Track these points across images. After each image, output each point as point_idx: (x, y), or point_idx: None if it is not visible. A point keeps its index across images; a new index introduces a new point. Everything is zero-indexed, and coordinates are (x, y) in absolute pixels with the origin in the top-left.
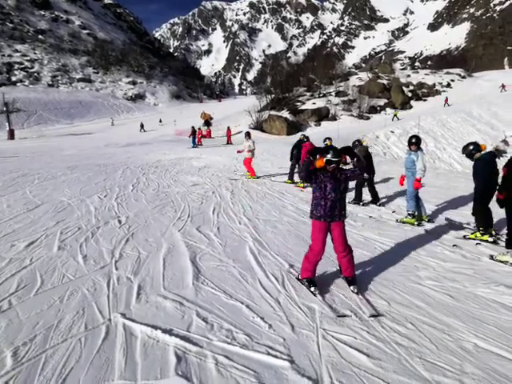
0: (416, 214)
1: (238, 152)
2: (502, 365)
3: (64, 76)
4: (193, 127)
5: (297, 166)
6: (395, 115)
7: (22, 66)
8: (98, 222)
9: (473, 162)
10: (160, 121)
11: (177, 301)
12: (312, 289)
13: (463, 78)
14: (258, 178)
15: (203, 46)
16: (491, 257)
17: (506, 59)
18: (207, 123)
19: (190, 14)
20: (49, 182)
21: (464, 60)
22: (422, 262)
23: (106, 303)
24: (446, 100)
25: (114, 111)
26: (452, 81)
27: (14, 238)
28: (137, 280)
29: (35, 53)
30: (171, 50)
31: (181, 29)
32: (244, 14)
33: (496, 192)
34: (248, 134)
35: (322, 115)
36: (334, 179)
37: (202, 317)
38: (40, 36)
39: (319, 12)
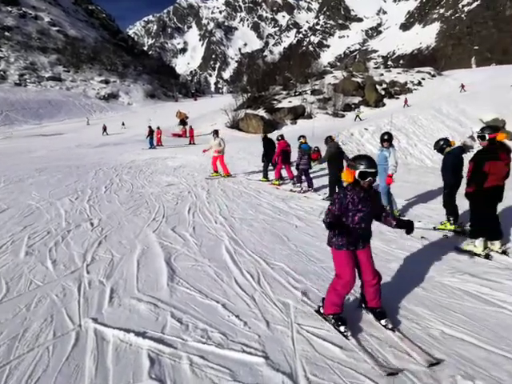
0: (388, 208)
1: (204, 151)
2: (466, 349)
3: (32, 74)
4: (150, 127)
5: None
6: (357, 116)
7: None
8: (69, 226)
9: (443, 157)
10: (123, 124)
11: (151, 303)
12: (342, 328)
13: (433, 76)
14: (230, 176)
15: (178, 44)
16: (456, 247)
17: (473, 58)
18: (183, 122)
19: (165, 11)
20: (15, 185)
21: (434, 59)
22: (392, 255)
23: (77, 309)
24: (406, 101)
25: (86, 111)
26: (423, 79)
27: None
28: (109, 283)
29: (1, 50)
30: (145, 49)
31: (155, 27)
32: (220, 12)
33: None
34: (216, 133)
35: (297, 113)
36: (365, 201)
37: (177, 317)
38: (6, 33)
39: (295, 11)
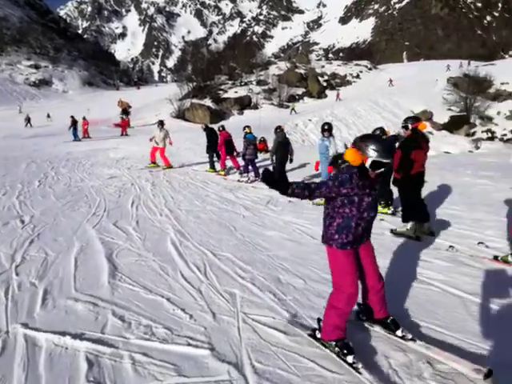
0: None
1: (151, 140)
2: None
3: None
4: (72, 117)
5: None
6: (293, 109)
7: None
8: None
9: None
10: (48, 116)
11: (90, 302)
12: (349, 359)
13: (370, 69)
14: (172, 167)
15: (117, 28)
16: (392, 231)
17: (404, 53)
18: (125, 112)
19: None
20: None
21: (370, 53)
22: None
23: (3, 314)
24: (338, 95)
25: (15, 98)
26: (361, 72)
27: None
28: (42, 284)
29: None
30: (80, 32)
31: (90, 8)
32: None
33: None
34: (161, 123)
35: (244, 104)
36: (371, 187)
37: (119, 315)
38: None
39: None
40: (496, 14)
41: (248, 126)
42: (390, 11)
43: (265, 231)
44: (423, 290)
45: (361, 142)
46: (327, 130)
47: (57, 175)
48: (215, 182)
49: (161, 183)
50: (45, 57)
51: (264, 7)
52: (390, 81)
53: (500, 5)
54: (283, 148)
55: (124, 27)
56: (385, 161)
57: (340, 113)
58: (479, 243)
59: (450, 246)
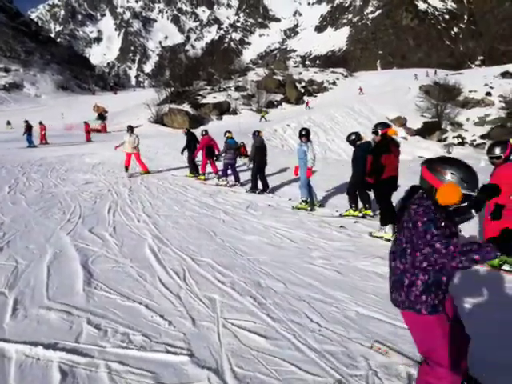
0: (308, 200)
1: (116, 148)
2: (377, 326)
3: None
4: (26, 121)
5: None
6: (263, 116)
7: None
8: None
9: (353, 149)
10: (8, 123)
11: (64, 311)
12: None
13: (346, 77)
14: (149, 172)
15: (92, 32)
16: (370, 234)
17: (378, 62)
18: (101, 117)
19: None
20: None
21: (346, 61)
22: (314, 244)
23: None
24: (307, 103)
25: None
26: (337, 79)
27: None
28: (13, 294)
29: None
30: (53, 35)
31: (63, 12)
32: (136, 1)
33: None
34: (130, 129)
35: (223, 109)
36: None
37: (94, 324)
38: None
39: (215, 6)
40: (462, 26)
41: (229, 131)
42: (363, 21)
43: (245, 236)
44: None
45: (441, 166)
46: (304, 135)
47: (28, 181)
48: (194, 187)
49: (138, 189)
50: (15, 60)
51: (241, 14)
52: (360, 89)
53: (466, 17)
54: (261, 152)
55: (99, 31)
56: (473, 194)
57: (317, 118)
58: None
59: None
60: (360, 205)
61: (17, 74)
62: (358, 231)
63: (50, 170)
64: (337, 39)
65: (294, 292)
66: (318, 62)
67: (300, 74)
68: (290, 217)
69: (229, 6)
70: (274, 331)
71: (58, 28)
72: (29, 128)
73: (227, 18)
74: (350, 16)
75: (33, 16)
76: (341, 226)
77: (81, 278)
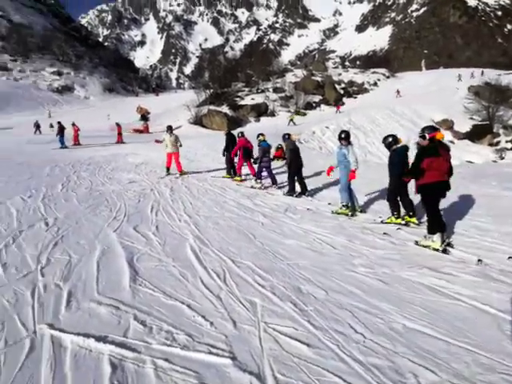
0: (349, 205)
1: (157, 142)
2: (427, 342)
3: None
4: (59, 123)
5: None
6: (291, 120)
7: None
8: (21, 226)
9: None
10: (51, 126)
11: (112, 305)
12: None
13: (388, 77)
14: (185, 173)
15: (136, 36)
16: (416, 242)
17: (422, 61)
18: (144, 118)
19: (120, 0)
20: None
21: (388, 61)
22: (356, 251)
23: (31, 314)
24: (338, 107)
25: (39, 104)
26: (378, 80)
27: None
28: (67, 286)
29: None
30: (101, 40)
31: (110, 17)
32: (178, 4)
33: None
34: (170, 129)
35: (261, 111)
36: None
37: (140, 320)
38: None
39: (254, 8)
40: None
41: (262, 134)
42: (407, 19)
43: (284, 239)
44: (451, 306)
45: None
46: (344, 138)
47: (79, 179)
48: (233, 189)
49: (179, 189)
50: (67, 64)
51: (280, 15)
52: (398, 92)
53: None
54: (296, 155)
55: (143, 35)
56: None
57: (358, 120)
58: (510, 258)
59: (479, 260)
60: (403, 211)
61: (68, 77)
62: (402, 239)
63: (98, 168)
64: (378, 39)
65: (335, 300)
66: (358, 62)
67: (339, 74)
68: (330, 222)
69: (268, 7)
70: (316, 339)
71: (106, 32)
72: (61, 129)
73: (266, 19)
74: (392, 14)
75: (83, 21)
76: (384, 233)
77: (127, 274)
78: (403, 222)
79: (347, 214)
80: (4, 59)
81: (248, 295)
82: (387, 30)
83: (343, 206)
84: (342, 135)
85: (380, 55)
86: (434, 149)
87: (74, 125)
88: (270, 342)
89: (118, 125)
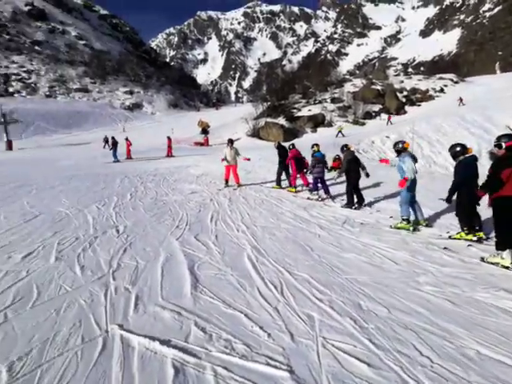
0: (410, 219)
1: (223, 160)
2: (504, 372)
3: (61, 86)
4: (113, 138)
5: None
6: (339, 131)
7: (19, 77)
8: (96, 232)
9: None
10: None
11: (175, 311)
12: None
13: (456, 83)
14: (241, 185)
15: (199, 55)
16: (482, 259)
17: (497, 64)
18: (204, 131)
19: (186, 23)
20: (46, 193)
21: (456, 65)
22: (420, 268)
23: (104, 314)
24: (389, 118)
25: (112, 120)
26: (445, 86)
27: (10, 249)
28: (134, 290)
29: (32, 64)
30: (167, 60)
31: (176, 38)
32: (239, 23)
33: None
34: (230, 142)
35: (317, 122)
36: None
37: (201, 327)
38: (36, 47)
39: (312, 20)
40: None
41: (316, 144)
42: (478, 20)
43: (342, 253)
44: None
45: None
46: (396, 151)
47: (145, 189)
48: (289, 200)
49: (237, 199)
50: (138, 83)
51: (339, 26)
52: (460, 99)
53: None
54: (355, 166)
55: (205, 53)
56: None
57: (421, 129)
58: None
59: None
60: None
61: (138, 95)
62: (473, 256)
63: (162, 180)
64: (445, 43)
65: (398, 319)
66: (422, 68)
67: (401, 82)
68: (392, 236)
69: (326, 18)
70: (377, 359)
71: (172, 53)
72: (114, 144)
73: (324, 30)
74: (461, 16)
75: (153, 44)
76: (444, 248)
77: (188, 281)
78: (475, 239)
79: (408, 229)
80: (86, 82)
81: (305, 308)
82: (455, 33)
83: (403, 220)
84: (394, 149)
85: (447, 60)
86: (511, 159)
87: (127, 139)
88: (329, 358)
89: (168, 138)
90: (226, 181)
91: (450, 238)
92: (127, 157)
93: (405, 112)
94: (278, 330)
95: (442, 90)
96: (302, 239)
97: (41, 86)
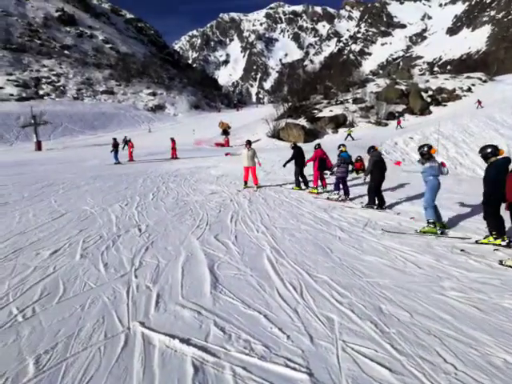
0: (436, 221)
1: (227, 154)
2: None
3: (88, 89)
4: (114, 139)
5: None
6: (349, 134)
7: (49, 80)
8: (119, 231)
9: (486, 165)
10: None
11: (195, 310)
12: None
13: (484, 82)
14: (260, 187)
15: (221, 56)
16: (500, 262)
17: None
18: (225, 132)
19: (208, 25)
20: (73, 192)
21: (485, 64)
22: (445, 272)
23: (126, 312)
24: (399, 122)
25: (135, 122)
26: (473, 85)
27: (38, 246)
28: (156, 288)
29: (61, 67)
30: (190, 62)
31: (199, 40)
32: (261, 24)
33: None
34: (249, 143)
35: (339, 122)
36: None
37: (220, 326)
38: (66, 51)
39: (335, 20)
40: None
41: (344, 145)
42: (510, 16)
43: (363, 255)
44: None
45: None
46: (421, 154)
47: (167, 190)
48: (309, 201)
49: (257, 200)
50: (161, 85)
51: (362, 25)
52: (479, 102)
53: None
54: (380, 167)
55: (227, 55)
56: None
57: (447, 130)
58: None
59: None
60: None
61: (161, 97)
62: (497, 260)
63: (183, 180)
64: (474, 40)
65: (421, 324)
66: (449, 67)
67: (427, 81)
68: (415, 239)
69: (350, 18)
70: (399, 364)
71: (195, 55)
72: (115, 145)
73: (347, 30)
74: (492, 13)
75: (176, 47)
76: (462, 250)
77: (208, 281)
78: (504, 243)
79: (436, 233)
80: (111, 84)
81: (325, 311)
82: (485, 30)
83: (429, 223)
84: (420, 150)
85: (476, 58)
86: None
87: (129, 141)
88: (349, 361)
89: (172, 140)
90: (245, 182)
91: (476, 242)
92: (129, 159)
93: (430, 112)
94: (297, 332)
95: (469, 90)
96: (322, 241)
97: (69, 88)
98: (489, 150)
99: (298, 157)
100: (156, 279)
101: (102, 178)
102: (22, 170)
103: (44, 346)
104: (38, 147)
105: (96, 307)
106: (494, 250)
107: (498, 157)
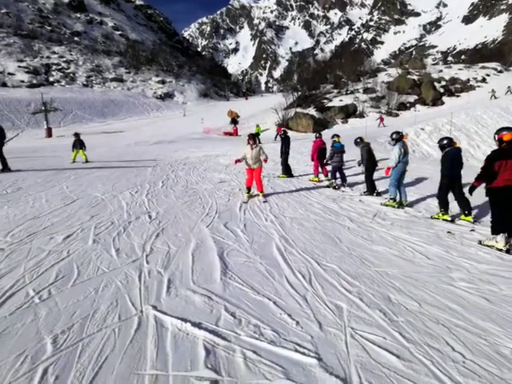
0: (397, 199)
1: (237, 162)
2: None
3: (98, 76)
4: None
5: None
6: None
7: (59, 67)
8: (130, 217)
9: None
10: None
11: (205, 295)
12: None
13: (500, 72)
14: (264, 194)
15: (230, 44)
16: (480, 242)
17: None
18: (234, 121)
19: (218, 13)
20: (84, 178)
21: (501, 53)
22: (454, 263)
23: (138, 295)
24: (382, 119)
25: (144, 109)
26: (487, 75)
27: (52, 231)
28: (167, 274)
29: (71, 54)
30: (199, 49)
31: (209, 28)
32: (271, 11)
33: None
34: (251, 138)
35: (349, 112)
36: None
37: (230, 311)
38: (76, 38)
39: (347, 7)
40: None
41: (337, 135)
42: None
43: (372, 246)
44: None
45: None
46: (392, 138)
47: (176, 178)
48: (318, 191)
49: (266, 190)
50: (170, 73)
51: (375, 13)
52: (493, 92)
53: None
54: (370, 157)
55: (237, 43)
56: None
57: (459, 121)
58: None
59: None
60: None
61: (170, 85)
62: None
63: (192, 168)
64: (491, 29)
65: (429, 313)
66: (463, 57)
67: (440, 71)
68: (425, 230)
69: (362, 5)
70: (407, 352)
71: (204, 43)
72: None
73: (359, 18)
74: (510, 1)
75: (185, 34)
76: (448, 232)
77: (218, 267)
78: (449, 219)
79: (394, 206)
80: (121, 72)
81: (334, 299)
82: (502, 19)
83: (391, 199)
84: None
85: (491, 47)
86: (500, 151)
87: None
88: (357, 348)
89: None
90: (248, 189)
91: (431, 217)
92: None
93: (442, 103)
94: (306, 319)
95: (483, 80)
96: (331, 231)
97: (78, 75)
98: (445, 142)
99: (283, 146)
100: (167, 265)
101: (113, 165)
102: (33, 155)
103: (61, 327)
104: (49, 134)
105: (109, 291)
106: (471, 230)
107: (451, 147)
